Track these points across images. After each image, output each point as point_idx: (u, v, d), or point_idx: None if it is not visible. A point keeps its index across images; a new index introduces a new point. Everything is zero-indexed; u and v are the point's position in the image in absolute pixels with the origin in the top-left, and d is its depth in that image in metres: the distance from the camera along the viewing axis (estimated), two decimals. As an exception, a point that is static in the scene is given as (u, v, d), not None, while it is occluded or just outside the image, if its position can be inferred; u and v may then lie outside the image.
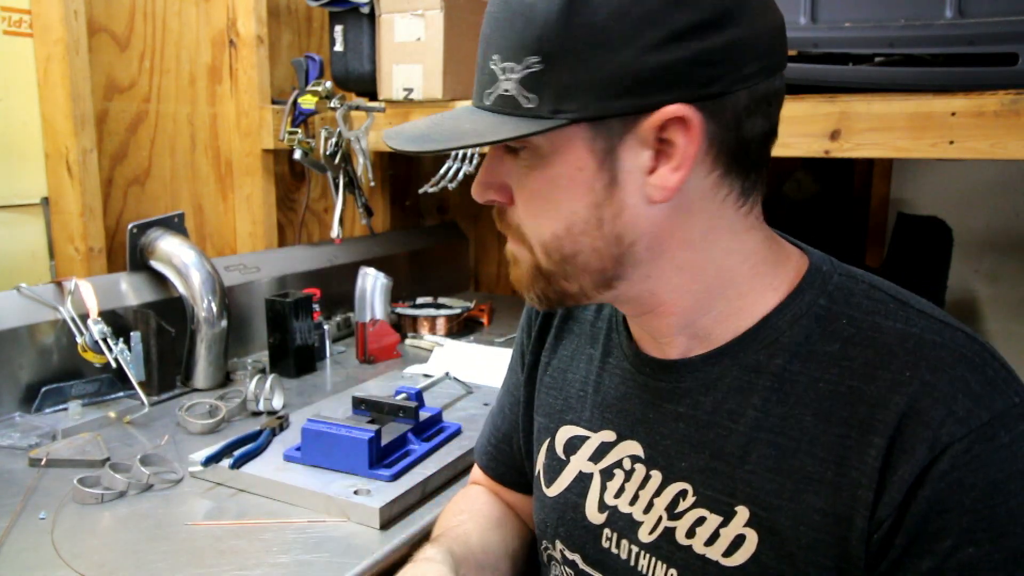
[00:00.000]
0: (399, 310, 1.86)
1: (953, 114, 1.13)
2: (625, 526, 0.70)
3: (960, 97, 1.13)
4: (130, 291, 1.45)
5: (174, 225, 1.52)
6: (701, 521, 0.64)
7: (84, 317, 1.31)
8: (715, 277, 0.64)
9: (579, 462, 0.75)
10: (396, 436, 1.11)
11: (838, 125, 1.20)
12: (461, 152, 1.60)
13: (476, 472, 0.97)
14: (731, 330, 0.65)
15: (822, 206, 2.15)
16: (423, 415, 1.17)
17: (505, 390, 0.92)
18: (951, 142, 1.14)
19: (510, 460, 0.90)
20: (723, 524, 0.63)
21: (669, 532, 0.66)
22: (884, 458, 0.56)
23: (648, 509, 0.68)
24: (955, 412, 0.55)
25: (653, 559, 0.67)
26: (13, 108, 1.43)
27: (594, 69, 0.56)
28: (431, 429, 1.19)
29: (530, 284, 0.66)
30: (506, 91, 0.59)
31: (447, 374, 1.44)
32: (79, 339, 1.29)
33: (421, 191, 1.68)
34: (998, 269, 1.93)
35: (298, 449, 1.08)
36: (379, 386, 1.44)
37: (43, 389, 1.29)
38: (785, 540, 0.60)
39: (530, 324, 0.86)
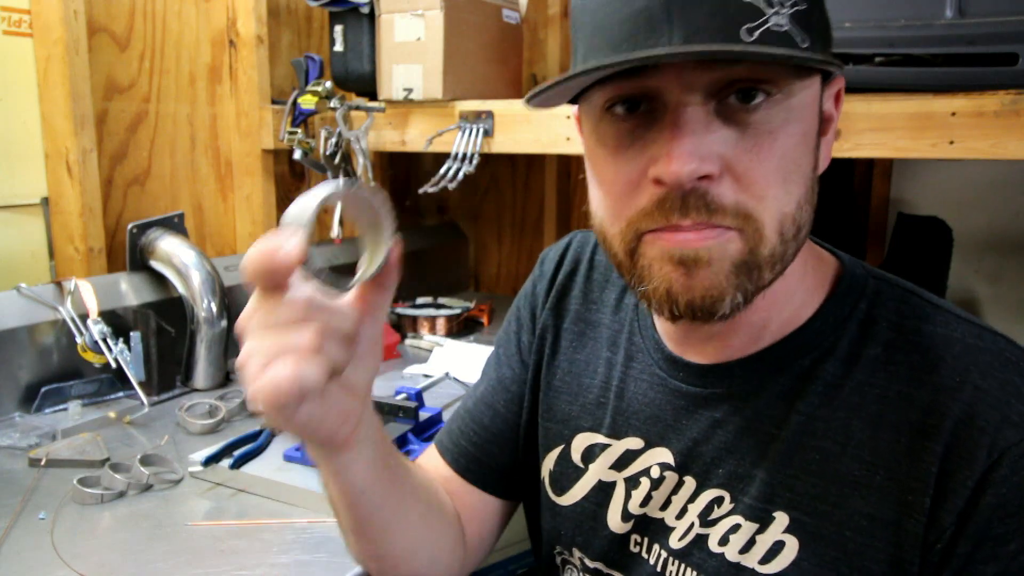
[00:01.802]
0: (399, 310, 1.86)
1: (953, 114, 1.13)
2: (657, 531, 0.68)
3: (960, 97, 1.13)
4: (130, 291, 1.45)
5: (174, 225, 1.52)
6: (736, 528, 0.63)
7: (84, 317, 1.31)
8: (788, 273, 0.61)
9: (599, 470, 0.72)
10: (396, 436, 1.11)
11: (838, 125, 1.20)
12: (461, 152, 1.60)
13: (433, 466, 0.84)
14: (776, 333, 0.64)
15: (822, 206, 2.15)
16: (423, 415, 1.17)
17: (497, 385, 0.83)
18: (951, 142, 1.14)
19: (496, 463, 0.82)
20: (759, 531, 0.61)
21: (700, 539, 0.65)
22: (941, 464, 0.56)
23: (681, 514, 0.66)
24: (1009, 417, 0.55)
25: (683, 566, 0.66)
26: (13, 108, 1.42)
27: (827, 22, 0.56)
28: (431, 429, 1.19)
29: (731, 283, 0.55)
30: (779, 26, 0.52)
31: (447, 374, 1.44)
32: (79, 339, 1.29)
33: (421, 191, 1.68)
34: (998, 269, 1.92)
35: (298, 449, 1.08)
36: (379, 386, 1.43)
37: (43, 389, 1.29)
38: (829, 546, 0.59)
39: (531, 321, 0.82)
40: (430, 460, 0.85)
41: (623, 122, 0.56)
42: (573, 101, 0.62)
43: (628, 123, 0.56)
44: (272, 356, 0.46)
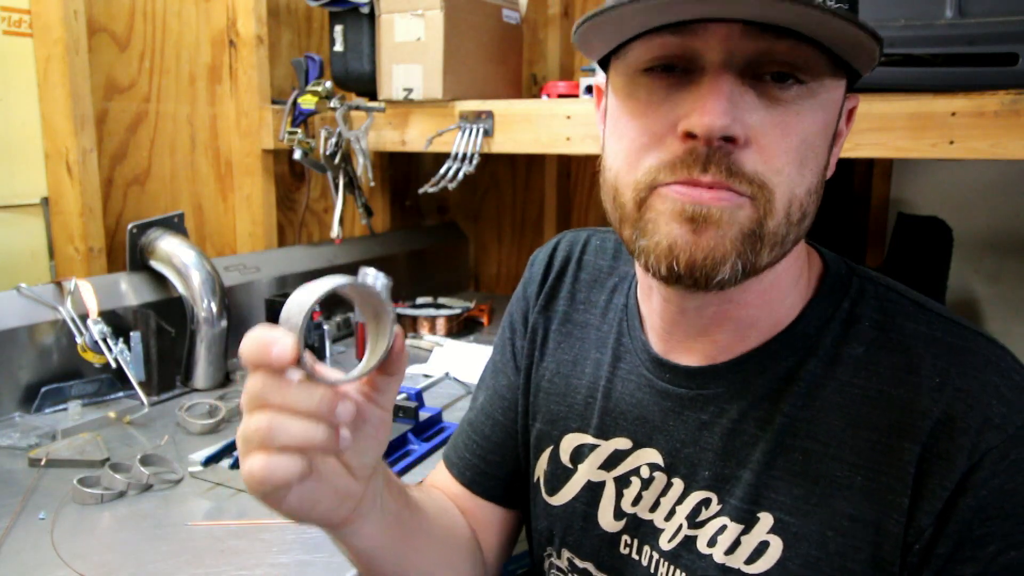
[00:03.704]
0: (399, 310, 1.86)
1: (953, 114, 1.13)
2: (647, 532, 0.68)
3: (960, 97, 1.13)
4: (130, 291, 1.45)
5: (174, 225, 1.52)
6: (722, 530, 0.63)
7: (84, 317, 1.31)
8: (783, 273, 0.62)
9: (588, 470, 0.72)
10: (396, 436, 1.11)
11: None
12: (461, 152, 1.60)
13: (443, 482, 0.85)
14: (763, 334, 0.64)
15: (822, 206, 2.15)
16: (423, 415, 1.17)
17: (493, 395, 0.83)
18: (951, 142, 1.14)
19: (501, 473, 0.82)
20: (744, 532, 0.62)
21: (689, 541, 0.65)
22: (919, 464, 0.56)
23: (670, 516, 0.67)
24: (991, 419, 0.55)
25: (673, 567, 0.66)
26: (13, 108, 1.42)
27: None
28: (431, 429, 1.19)
29: (736, 249, 0.55)
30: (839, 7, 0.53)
31: (447, 374, 1.44)
32: (79, 339, 1.29)
33: (421, 191, 1.68)
34: (998, 269, 1.92)
35: (298, 449, 1.08)
36: (379, 386, 1.44)
37: (43, 389, 1.29)
38: (812, 546, 0.59)
39: (523, 325, 0.82)
40: (440, 477, 0.86)
41: (658, 80, 0.57)
42: (604, 64, 0.62)
43: (663, 81, 0.56)
44: (249, 444, 0.49)
